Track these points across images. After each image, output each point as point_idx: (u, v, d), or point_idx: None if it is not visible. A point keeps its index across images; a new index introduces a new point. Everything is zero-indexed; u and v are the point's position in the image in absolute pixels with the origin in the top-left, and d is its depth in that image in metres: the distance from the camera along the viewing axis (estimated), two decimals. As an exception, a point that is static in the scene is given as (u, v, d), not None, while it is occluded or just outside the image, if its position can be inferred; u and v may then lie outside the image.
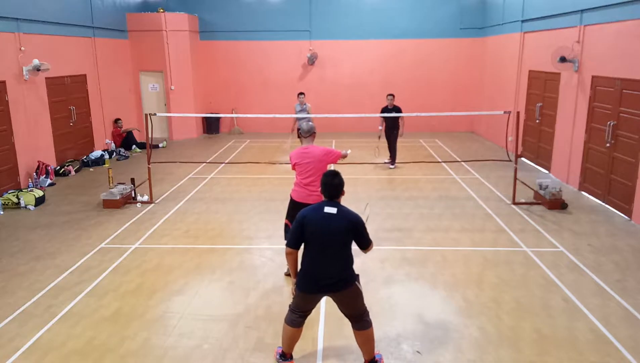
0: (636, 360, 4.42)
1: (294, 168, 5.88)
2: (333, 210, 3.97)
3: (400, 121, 11.81)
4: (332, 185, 4.04)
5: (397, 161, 11.99)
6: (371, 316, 5.19)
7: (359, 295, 4.15)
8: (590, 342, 4.72)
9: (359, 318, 4.18)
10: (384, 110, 11.77)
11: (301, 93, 12.48)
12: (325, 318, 5.17)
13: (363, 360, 4.33)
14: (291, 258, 4.13)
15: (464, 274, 6.18)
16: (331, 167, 6.61)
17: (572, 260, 6.55)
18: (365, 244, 4.10)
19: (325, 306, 5.40)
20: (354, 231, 4.01)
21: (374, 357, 4.30)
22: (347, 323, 5.01)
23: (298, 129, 12.36)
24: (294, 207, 5.70)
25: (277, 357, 4.40)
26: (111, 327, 5.04)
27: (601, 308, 5.31)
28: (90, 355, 4.58)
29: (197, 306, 5.47)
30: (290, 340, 4.30)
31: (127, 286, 5.92)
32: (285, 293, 5.72)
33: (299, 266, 4.17)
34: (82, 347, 4.71)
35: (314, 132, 5.96)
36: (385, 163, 12.13)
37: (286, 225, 5.86)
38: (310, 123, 6.07)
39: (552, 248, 6.97)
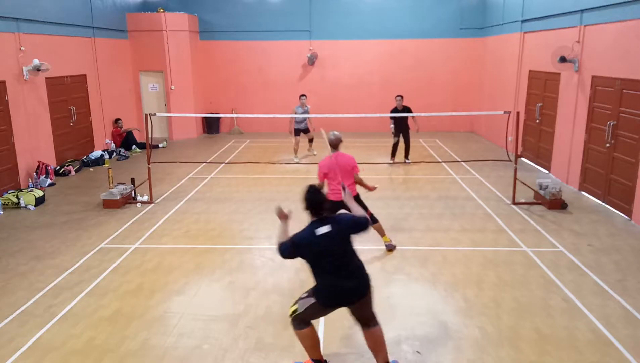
0: (636, 360, 4.42)
1: (324, 179, 6.50)
2: (327, 229, 3.90)
3: (411, 120, 12.25)
4: (318, 201, 3.97)
5: (396, 161, 12.16)
6: (371, 316, 5.23)
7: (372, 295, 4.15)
8: (590, 342, 4.72)
9: (372, 317, 4.14)
10: (394, 111, 12.11)
11: (303, 95, 12.63)
12: (325, 318, 5.17)
13: (363, 360, 4.25)
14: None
15: (464, 274, 6.18)
16: None
17: (572, 260, 6.55)
18: (362, 220, 4.03)
19: (325, 306, 5.41)
20: (350, 230, 3.99)
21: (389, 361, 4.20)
22: (347, 323, 5.03)
23: (296, 130, 12.66)
24: (336, 206, 6.45)
25: None
26: (111, 327, 5.04)
27: (601, 308, 5.31)
28: (90, 355, 4.58)
29: (197, 306, 5.47)
30: (314, 341, 4.16)
31: (127, 286, 5.93)
32: (285, 293, 5.72)
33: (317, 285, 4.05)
34: (82, 347, 4.71)
35: (341, 141, 6.65)
36: (406, 162, 12.39)
37: None
38: (337, 133, 6.64)
39: (552, 248, 6.97)
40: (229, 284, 5.99)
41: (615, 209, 8.53)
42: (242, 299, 5.61)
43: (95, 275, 6.23)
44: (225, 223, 8.15)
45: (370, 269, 6.26)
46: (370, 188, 6.68)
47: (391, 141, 12.32)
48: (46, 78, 11.18)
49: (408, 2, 16.51)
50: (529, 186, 9.37)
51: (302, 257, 3.99)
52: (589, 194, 9.43)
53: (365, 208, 6.58)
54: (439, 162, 12.38)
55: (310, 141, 13.18)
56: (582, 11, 9.68)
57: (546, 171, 11.34)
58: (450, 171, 11.48)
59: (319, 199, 3.99)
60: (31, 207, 8.99)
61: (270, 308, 5.40)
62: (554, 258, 6.61)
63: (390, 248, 6.92)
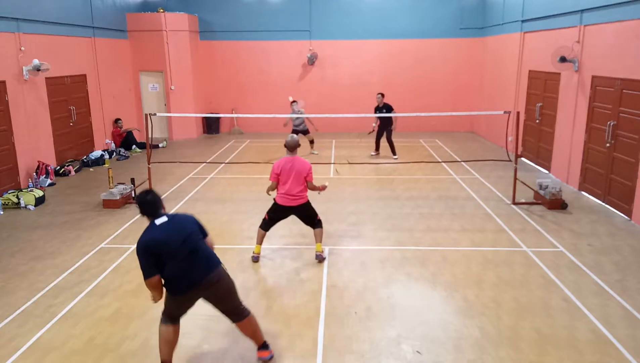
0: (636, 360, 4.42)
1: (275, 179, 6.44)
2: (164, 219, 4.05)
3: (392, 118, 12.64)
4: (148, 202, 4.07)
5: (397, 161, 12.42)
6: (371, 316, 5.22)
7: (232, 283, 4.29)
8: (590, 342, 4.72)
9: (237, 310, 4.30)
10: (376, 109, 12.70)
11: (294, 101, 13.05)
12: (325, 317, 5.17)
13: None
14: (155, 285, 3.97)
15: (464, 274, 6.18)
16: None
17: (572, 260, 6.55)
18: (205, 233, 4.32)
19: (326, 305, 5.40)
20: (197, 224, 4.24)
21: (264, 341, 4.46)
22: (347, 323, 5.04)
23: (294, 131, 12.79)
24: (277, 209, 6.55)
25: None
26: (111, 327, 5.05)
27: (601, 308, 5.31)
28: (90, 355, 4.58)
29: (197, 306, 5.43)
30: (171, 344, 4.22)
31: (127, 286, 5.93)
32: (285, 292, 5.72)
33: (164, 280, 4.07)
34: (82, 347, 4.71)
35: (299, 145, 6.56)
36: (371, 155, 13.17)
37: (264, 219, 6.66)
38: (295, 137, 6.54)
39: (552, 248, 6.97)
40: (229, 284, 5.98)
41: (615, 209, 8.53)
42: (242, 299, 5.58)
43: (95, 275, 6.23)
44: (226, 223, 8.15)
45: (370, 269, 6.32)
46: (322, 188, 6.57)
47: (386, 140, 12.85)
48: (46, 78, 11.18)
49: (408, 2, 16.51)
50: (529, 186, 9.37)
51: (157, 259, 3.93)
52: (589, 194, 9.43)
53: (315, 214, 6.63)
54: (439, 162, 12.38)
55: (312, 142, 13.29)
56: (582, 11, 9.69)
57: (546, 171, 11.35)
58: (450, 171, 11.48)
59: (150, 199, 4.06)
60: (31, 207, 8.99)
61: (270, 308, 5.40)
62: (554, 258, 6.61)
63: (320, 259, 6.57)
